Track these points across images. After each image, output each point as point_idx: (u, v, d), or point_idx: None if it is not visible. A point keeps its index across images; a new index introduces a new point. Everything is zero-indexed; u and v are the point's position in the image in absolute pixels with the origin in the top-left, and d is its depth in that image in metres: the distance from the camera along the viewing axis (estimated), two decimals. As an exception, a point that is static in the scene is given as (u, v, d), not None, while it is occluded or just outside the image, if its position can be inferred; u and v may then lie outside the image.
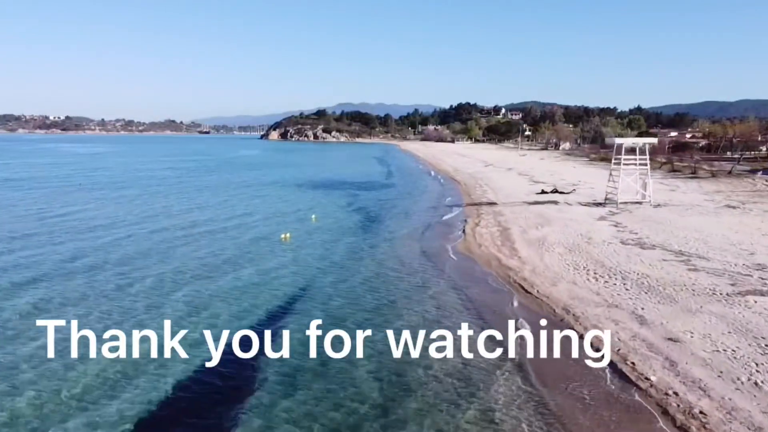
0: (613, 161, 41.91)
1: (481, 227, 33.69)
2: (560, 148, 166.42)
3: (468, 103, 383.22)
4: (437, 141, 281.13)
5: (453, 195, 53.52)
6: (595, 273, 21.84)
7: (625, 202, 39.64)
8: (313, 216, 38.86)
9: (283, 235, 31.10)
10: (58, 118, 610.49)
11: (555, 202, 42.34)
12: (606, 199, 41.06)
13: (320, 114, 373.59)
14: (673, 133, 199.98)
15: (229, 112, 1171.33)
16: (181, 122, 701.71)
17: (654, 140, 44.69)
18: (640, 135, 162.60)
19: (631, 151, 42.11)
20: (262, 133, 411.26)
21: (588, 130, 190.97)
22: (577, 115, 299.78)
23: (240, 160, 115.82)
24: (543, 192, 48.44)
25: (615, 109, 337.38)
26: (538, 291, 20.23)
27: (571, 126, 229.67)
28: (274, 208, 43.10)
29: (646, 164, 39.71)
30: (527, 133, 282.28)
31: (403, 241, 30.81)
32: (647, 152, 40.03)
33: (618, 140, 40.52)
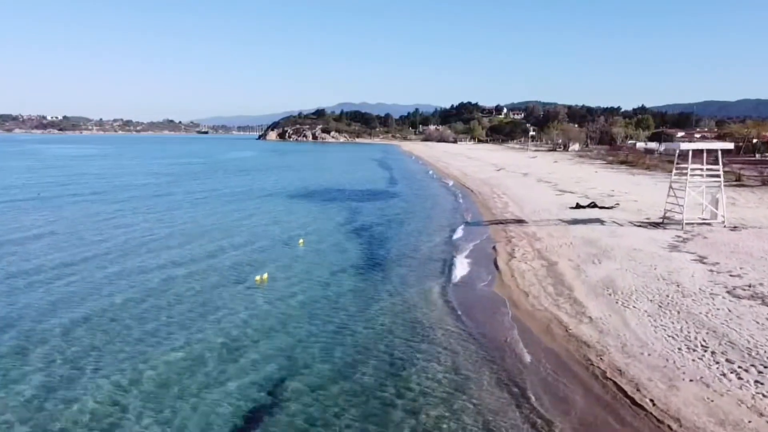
0: (674, 172, 33.94)
1: (517, 260, 25.87)
2: (569, 149, 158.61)
3: (469, 103, 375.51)
4: (439, 141, 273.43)
5: (469, 208, 45.67)
6: (725, 358, 14.02)
7: (691, 223, 31.83)
8: (301, 240, 31.14)
9: (258, 277, 23.32)
10: (56, 118, 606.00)
11: (600, 221, 34.51)
12: (664, 217, 33.23)
13: (319, 114, 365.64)
14: (680, 134, 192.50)
15: (228, 112, 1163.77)
16: (180, 122, 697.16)
17: (729, 145, 36.66)
18: (655, 135, 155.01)
19: (682, 156, 34.43)
20: (260, 133, 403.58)
21: (594, 130, 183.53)
22: (580, 115, 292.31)
23: (231, 164, 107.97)
24: (578, 206, 40.58)
25: (619, 108, 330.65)
26: (652, 402, 12.34)
27: (576, 126, 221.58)
28: (257, 228, 35.22)
29: (718, 175, 31.79)
30: (531, 133, 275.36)
31: (418, 285, 22.95)
32: (720, 160, 32.04)
33: (685, 145, 32.48)
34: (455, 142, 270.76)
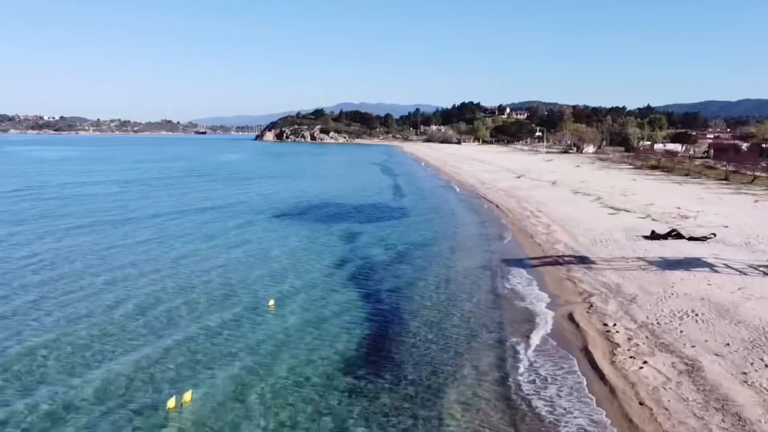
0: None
1: (627, 354, 15.19)
2: (583, 151, 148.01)
3: (471, 102, 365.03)
4: (442, 142, 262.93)
5: (502, 234, 35.02)
6: None
7: None
8: (272, 302, 20.64)
9: (171, 403, 12.79)
10: (53, 118, 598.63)
11: (704, 263, 23.96)
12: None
13: (318, 114, 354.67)
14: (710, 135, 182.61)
15: (227, 112, 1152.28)
16: (178, 122, 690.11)
17: None
18: (678, 136, 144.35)
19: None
20: (257, 133, 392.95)
21: (602, 131, 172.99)
22: (585, 115, 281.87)
23: (219, 169, 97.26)
24: (656, 235, 30.01)
25: (624, 108, 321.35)
26: None
27: (583, 126, 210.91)
28: (216, 277, 24.34)
29: None
30: (538, 134, 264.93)
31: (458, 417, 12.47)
32: None
33: None
34: (459, 142, 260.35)
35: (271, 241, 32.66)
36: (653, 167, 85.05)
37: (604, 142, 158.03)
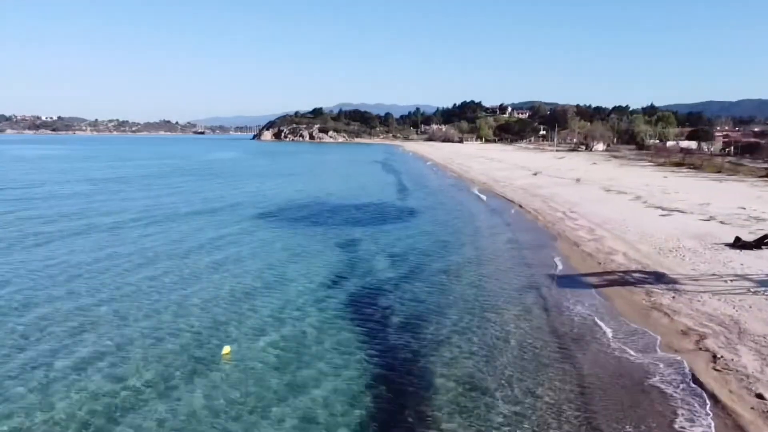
0: None
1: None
2: (593, 149, 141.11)
3: (473, 102, 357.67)
4: (443, 141, 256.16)
5: (537, 241, 28.21)
6: None
7: None
8: (226, 349, 13.83)
9: None
10: (50, 118, 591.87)
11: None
12: None
13: (316, 113, 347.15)
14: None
15: (226, 113, 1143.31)
16: (177, 122, 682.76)
17: None
18: (694, 134, 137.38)
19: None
20: (255, 133, 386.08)
21: (612, 128, 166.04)
22: (588, 114, 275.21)
23: (208, 167, 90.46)
24: (744, 243, 23.27)
25: (627, 107, 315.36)
26: None
27: (588, 124, 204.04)
28: (158, 315, 17.32)
29: None
30: (542, 132, 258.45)
31: None
32: None
33: None
34: (461, 141, 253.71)
35: (254, 247, 26.05)
36: (677, 164, 78.27)
37: (615, 140, 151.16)
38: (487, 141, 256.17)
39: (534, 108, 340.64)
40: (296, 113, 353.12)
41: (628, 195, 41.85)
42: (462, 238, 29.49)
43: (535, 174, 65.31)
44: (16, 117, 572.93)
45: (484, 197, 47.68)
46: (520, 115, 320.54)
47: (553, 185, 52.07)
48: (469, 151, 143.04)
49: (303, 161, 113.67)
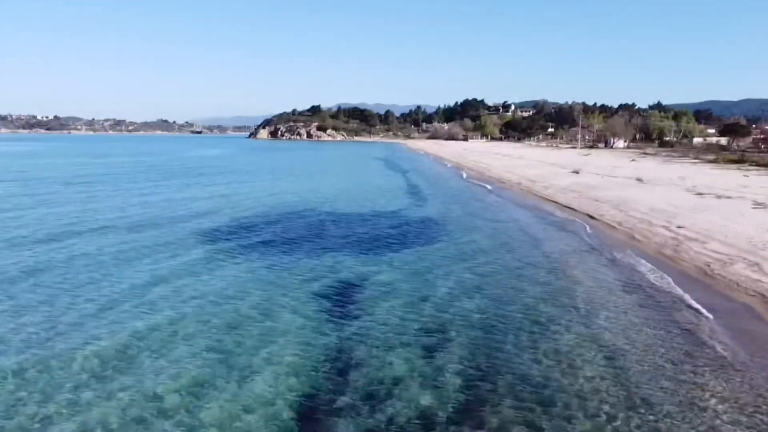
0: None
1: None
2: (613, 146, 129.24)
3: (475, 100, 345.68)
4: (447, 139, 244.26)
5: (657, 284, 16.50)
6: None
7: None
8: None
9: None
10: (46, 117, 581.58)
11: None
12: None
13: (314, 111, 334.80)
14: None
15: (226, 113, 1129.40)
16: (174, 122, 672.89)
17: None
18: (728, 128, 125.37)
19: None
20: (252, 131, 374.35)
21: (634, 125, 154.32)
22: (594, 111, 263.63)
23: (185, 164, 78.47)
24: None
25: (634, 105, 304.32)
26: None
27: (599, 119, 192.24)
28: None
29: None
30: (550, 130, 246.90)
31: None
32: None
33: None
34: (465, 139, 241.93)
35: (210, 279, 14.75)
36: (734, 161, 66.55)
37: (638, 136, 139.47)
38: (493, 139, 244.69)
39: (538, 106, 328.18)
40: (293, 111, 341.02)
41: (741, 200, 30.11)
42: (517, 269, 17.93)
43: (576, 172, 53.56)
44: (11, 116, 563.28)
45: (524, 202, 35.90)
46: (524, 114, 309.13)
47: (611, 186, 40.33)
48: (479, 149, 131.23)
49: (296, 158, 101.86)
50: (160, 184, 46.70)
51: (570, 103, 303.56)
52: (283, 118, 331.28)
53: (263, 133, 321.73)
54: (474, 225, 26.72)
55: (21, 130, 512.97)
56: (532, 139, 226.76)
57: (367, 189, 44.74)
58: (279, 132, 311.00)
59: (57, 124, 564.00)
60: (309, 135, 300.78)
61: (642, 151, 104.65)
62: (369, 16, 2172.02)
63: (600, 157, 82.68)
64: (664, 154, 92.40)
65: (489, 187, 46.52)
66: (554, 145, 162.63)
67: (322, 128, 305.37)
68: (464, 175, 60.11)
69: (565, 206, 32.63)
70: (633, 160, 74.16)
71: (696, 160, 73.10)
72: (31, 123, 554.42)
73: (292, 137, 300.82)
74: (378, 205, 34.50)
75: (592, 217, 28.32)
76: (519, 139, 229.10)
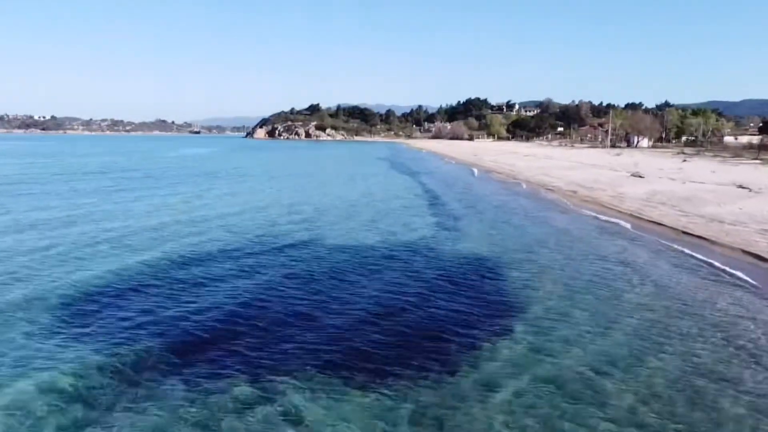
0: None
1: None
2: (636, 145, 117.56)
3: (478, 99, 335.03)
4: (451, 139, 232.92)
5: None
6: None
7: None
8: None
9: None
10: (43, 117, 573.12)
11: None
12: None
13: (313, 109, 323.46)
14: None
15: (226, 114, 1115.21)
16: (173, 122, 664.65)
17: None
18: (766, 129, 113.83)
19: None
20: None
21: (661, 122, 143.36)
22: (602, 110, 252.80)
23: (160, 165, 66.71)
24: None
25: (641, 104, 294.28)
26: None
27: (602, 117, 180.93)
28: None
29: None
30: (560, 129, 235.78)
31: None
32: None
33: None
34: (471, 139, 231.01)
35: None
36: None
37: (664, 135, 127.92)
38: (500, 138, 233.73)
39: (543, 105, 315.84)
40: (291, 110, 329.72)
41: None
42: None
43: (639, 176, 41.97)
44: (8, 116, 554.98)
45: (600, 219, 24.28)
46: (528, 112, 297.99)
47: (712, 197, 28.75)
48: (491, 148, 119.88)
49: (294, 158, 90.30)
50: (113, 193, 34.94)
51: (576, 102, 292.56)
52: (281, 117, 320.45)
53: (260, 133, 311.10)
54: (573, 280, 15.04)
55: (16, 130, 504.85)
56: (541, 138, 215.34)
57: (376, 193, 33.07)
58: (276, 131, 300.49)
59: (53, 124, 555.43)
60: (307, 134, 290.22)
61: (680, 149, 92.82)
62: (369, 17, 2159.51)
63: (640, 157, 71.03)
64: (708, 154, 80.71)
65: (520, 191, 34.71)
66: (567, 144, 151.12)
67: (320, 128, 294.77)
68: (481, 176, 48.28)
69: (645, 219, 21.02)
70: (684, 160, 62.57)
71: (756, 161, 61.49)
72: (28, 123, 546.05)
73: (290, 137, 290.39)
74: (388, 217, 22.86)
75: (744, 251, 16.71)
76: (527, 139, 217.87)
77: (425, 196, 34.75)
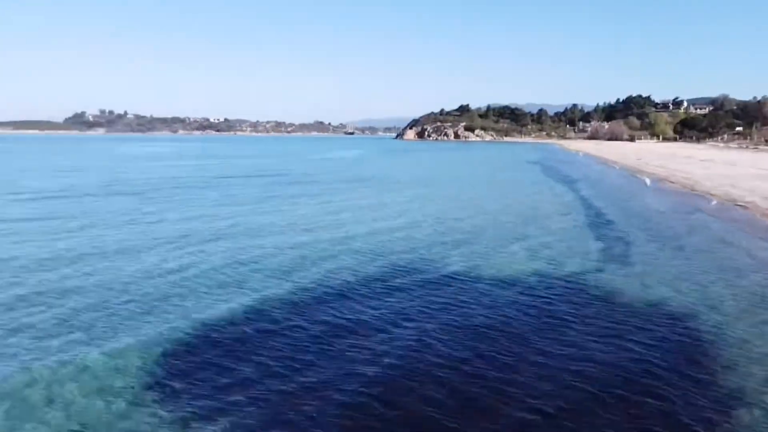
0: None
1: None
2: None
3: (640, 96, 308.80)
4: (609, 140, 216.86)
5: None
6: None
7: None
8: None
9: None
10: (217, 120, 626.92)
11: None
12: None
13: (463, 110, 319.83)
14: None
15: (378, 115, 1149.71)
16: (329, 123, 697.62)
17: None
18: None
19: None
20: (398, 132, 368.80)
21: None
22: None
23: (301, 170, 67.53)
24: None
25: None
26: None
27: None
28: None
29: None
30: (738, 129, 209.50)
31: None
32: None
33: None
34: (631, 140, 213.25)
35: None
36: None
37: None
38: (665, 139, 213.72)
39: (717, 102, 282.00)
40: (441, 111, 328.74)
41: None
42: None
43: None
44: (189, 119, 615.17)
45: None
46: (699, 110, 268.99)
47: None
48: (656, 150, 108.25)
49: (438, 161, 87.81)
50: (223, 206, 34.61)
51: (758, 98, 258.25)
52: (430, 118, 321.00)
53: (410, 134, 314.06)
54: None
55: (195, 132, 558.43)
56: (715, 139, 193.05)
57: (528, 219, 29.06)
58: (426, 132, 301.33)
59: (226, 125, 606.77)
60: (456, 135, 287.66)
61: None
62: (518, 14, 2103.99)
63: None
64: None
65: (739, 218, 28.47)
66: (750, 146, 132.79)
67: (470, 128, 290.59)
68: (666, 188, 41.60)
69: None
70: None
71: None
72: (204, 125, 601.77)
73: (439, 138, 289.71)
74: (552, 259, 18.90)
75: None
76: (698, 140, 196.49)
77: (589, 213, 29.92)
